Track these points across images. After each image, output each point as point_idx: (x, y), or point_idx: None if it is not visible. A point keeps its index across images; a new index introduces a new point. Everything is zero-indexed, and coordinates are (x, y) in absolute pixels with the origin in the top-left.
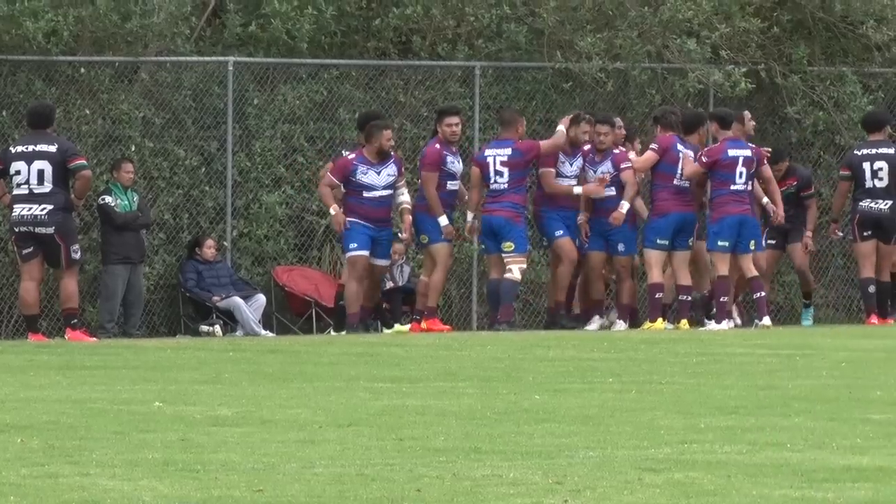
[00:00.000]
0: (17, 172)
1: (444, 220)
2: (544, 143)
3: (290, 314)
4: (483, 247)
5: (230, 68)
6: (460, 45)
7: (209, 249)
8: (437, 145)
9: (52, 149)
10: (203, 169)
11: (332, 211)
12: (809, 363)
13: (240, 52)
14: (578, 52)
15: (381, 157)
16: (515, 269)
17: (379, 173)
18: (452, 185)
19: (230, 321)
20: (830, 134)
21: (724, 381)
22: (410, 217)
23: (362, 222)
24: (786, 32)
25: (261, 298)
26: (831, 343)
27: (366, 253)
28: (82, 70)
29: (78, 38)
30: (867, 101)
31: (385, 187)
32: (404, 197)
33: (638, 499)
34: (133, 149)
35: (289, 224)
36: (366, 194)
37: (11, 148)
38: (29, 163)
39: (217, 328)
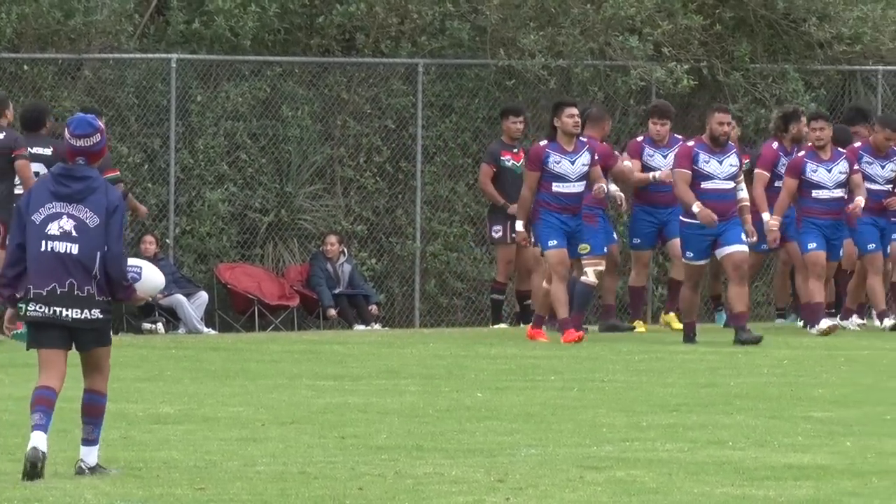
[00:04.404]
0: None
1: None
2: (625, 167)
3: (233, 312)
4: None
5: (173, 65)
6: (403, 42)
7: (150, 246)
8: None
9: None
10: (146, 166)
11: (695, 208)
12: (751, 361)
13: (183, 49)
14: (521, 50)
15: (717, 144)
16: (590, 273)
17: (721, 162)
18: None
19: (172, 319)
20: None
21: (666, 379)
22: (749, 216)
23: (695, 221)
24: (728, 30)
25: (203, 296)
26: (773, 341)
27: (703, 262)
28: (25, 67)
29: (21, 35)
30: (809, 99)
31: (727, 178)
32: (743, 193)
33: (580, 496)
34: None
35: (231, 221)
36: (703, 185)
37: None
38: None
39: (159, 326)
